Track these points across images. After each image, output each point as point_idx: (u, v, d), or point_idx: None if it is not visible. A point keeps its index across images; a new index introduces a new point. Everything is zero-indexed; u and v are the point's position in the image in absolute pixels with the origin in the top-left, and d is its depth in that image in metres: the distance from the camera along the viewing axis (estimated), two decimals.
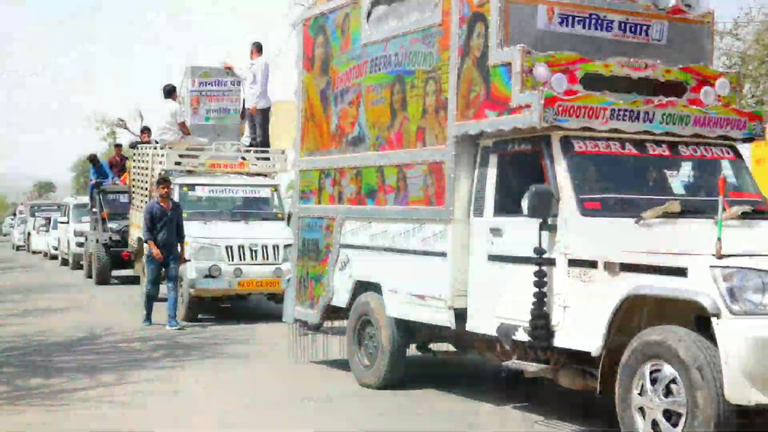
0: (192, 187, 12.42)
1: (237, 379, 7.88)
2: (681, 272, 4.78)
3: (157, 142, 13.52)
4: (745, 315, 4.51)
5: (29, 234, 32.39)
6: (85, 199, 21.41)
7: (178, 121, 12.93)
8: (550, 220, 5.47)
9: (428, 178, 6.52)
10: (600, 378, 5.27)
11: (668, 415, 4.77)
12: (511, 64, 5.70)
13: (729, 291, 4.54)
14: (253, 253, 11.47)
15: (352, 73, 7.59)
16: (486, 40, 5.93)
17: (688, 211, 5.58)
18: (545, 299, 5.43)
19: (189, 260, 11.09)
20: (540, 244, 5.44)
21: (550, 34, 5.96)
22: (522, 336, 5.63)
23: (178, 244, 10.96)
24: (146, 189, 13.20)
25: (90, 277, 17.92)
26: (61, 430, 5.98)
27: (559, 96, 5.47)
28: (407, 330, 7.04)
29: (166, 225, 10.80)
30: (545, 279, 5.42)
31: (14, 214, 44.56)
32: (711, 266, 4.63)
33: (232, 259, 11.35)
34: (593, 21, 6.12)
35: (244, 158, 12.98)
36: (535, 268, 5.43)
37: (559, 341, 5.45)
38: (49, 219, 28.30)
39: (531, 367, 5.82)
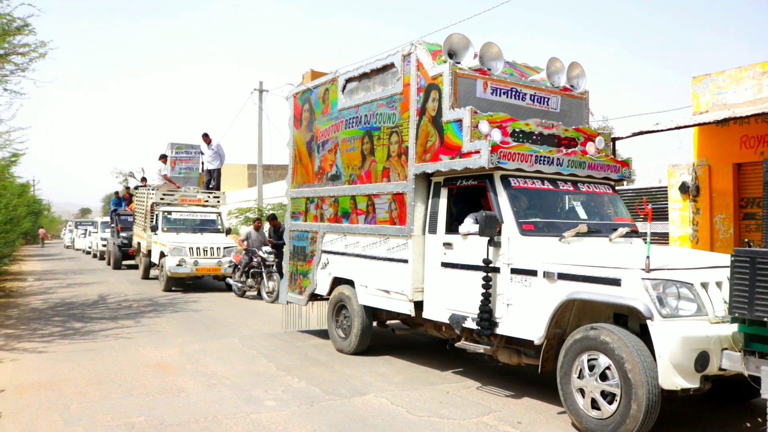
0: (169, 212, 19.18)
1: (194, 322, 12.01)
2: (615, 282, 5.42)
3: (149, 186, 21.14)
4: (670, 318, 5.12)
5: (74, 239, 50.44)
6: (107, 218, 33.23)
7: (161, 174, 20.79)
8: (495, 238, 6.50)
9: (392, 205, 7.95)
10: (541, 360, 6.18)
11: (604, 395, 5.43)
12: (461, 120, 6.95)
13: (658, 299, 5.17)
14: (205, 252, 17.55)
15: (331, 130, 9.14)
16: (440, 103, 7.25)
17: (591, 231, 6.74)
18: (490, 298, 6.49)
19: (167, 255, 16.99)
20: (488, 255, 6.51)
21: (485, 101, 7.34)
22: (470, 324, 6.80)
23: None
24: (143, 213, 20.75)
25: (109, 264, 27.69)
26: (93, 350, 9.35)
27: (498, 145, 6.67)
28: (372, 313, 8.75)
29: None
30: (491, 282, 6.49)
31: (66, 227, 64.38)
32: (642, 278, 5.27)
33: (192, 255, 17.41)
34: (513, 93, 7.61)
35: (200, 196, 20.33)
36: (483, 273, 6.52)
37: (501, 330, 6.48)
38: (86, 230, 44.44)
39: (479, 348, 6.93)
